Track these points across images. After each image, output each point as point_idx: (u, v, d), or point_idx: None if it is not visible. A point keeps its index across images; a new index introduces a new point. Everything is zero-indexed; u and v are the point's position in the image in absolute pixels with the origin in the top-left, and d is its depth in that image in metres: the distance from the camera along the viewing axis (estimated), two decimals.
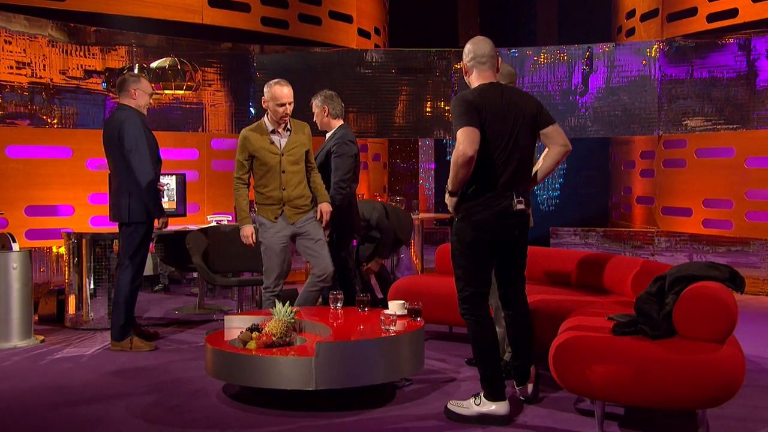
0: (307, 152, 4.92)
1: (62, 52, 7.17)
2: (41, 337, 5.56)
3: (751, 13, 7.59)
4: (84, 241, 5.93)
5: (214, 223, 6.34)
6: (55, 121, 7.14)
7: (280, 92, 4.75)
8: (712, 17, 7.96)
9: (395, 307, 4.34)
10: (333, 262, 4.90)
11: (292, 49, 8.74)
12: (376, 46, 10.00)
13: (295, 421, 3.66)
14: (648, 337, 3.40)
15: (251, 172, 4.86)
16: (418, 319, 4.23)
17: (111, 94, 7.38)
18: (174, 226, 6.39)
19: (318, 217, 4.93)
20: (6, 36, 6.79)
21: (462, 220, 3.62)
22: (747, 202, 7.61)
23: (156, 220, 5.20)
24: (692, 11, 8.16)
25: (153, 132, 5.25)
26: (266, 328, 3.96)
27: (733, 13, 7.74)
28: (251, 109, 8.51)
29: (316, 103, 5.32)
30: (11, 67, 6.83)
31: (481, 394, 3.62)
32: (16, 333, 5.34)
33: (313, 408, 3.84)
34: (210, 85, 8.23)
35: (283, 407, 3.85)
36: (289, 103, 4.79)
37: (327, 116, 5.30)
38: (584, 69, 8.67)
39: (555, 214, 12.10)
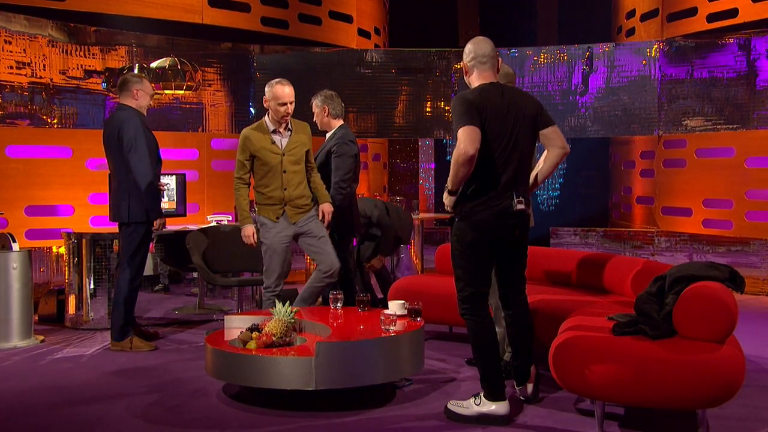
0: (307, 152, 4.93)
1: (62, 52, 7.17)
2: (41, 337, 5.56)
3: (751, 13, 7.59)
4: (84, 241, 5.93)
5: (214, 223, 6.34)
6: (55, 121, 7.14)
7: (281, 92, 4.75)
8: (712, 17, 7.96)
9: (395, 307, 4.34)
10: None
11: (292, 49, 8.74)
12: (376, 46, 10.00)
13: (295, 421, 3.66)
14: (648, 337, 3.40)
15: (252, 172, 4.86)
16: (418, 319, 4.23)
17: (111, 94, 7.38)
18: (174, 226, 6.39)
19: (320, 218, 4.93)
20: (6, 36, 6.79)
21: (462, 220, 3.62)
22: (747, 202, 7.61)
23: (154, 222, 5.20)
24: (692, 11, 8.16)
25: (153, 132, 5.25)
26: (266, 328, 3.96)
27: (733, 13, 7.74)
28: (251, 109, 8.51)
29: (316, 103, 5.32)
30: (11, 67, 6.83)
31: (481, 394, 3.62)
32: (16, 333, 5.34)
33: (313, 408, 3.84)
34: (210, 85, 8.23)
35: (283, 407, 3.85)
36: (291, 103, 4.79)
37: (327, 116, 5.30)
38: (584, 69, 8.67)
39: (555, 214, 12.09)
